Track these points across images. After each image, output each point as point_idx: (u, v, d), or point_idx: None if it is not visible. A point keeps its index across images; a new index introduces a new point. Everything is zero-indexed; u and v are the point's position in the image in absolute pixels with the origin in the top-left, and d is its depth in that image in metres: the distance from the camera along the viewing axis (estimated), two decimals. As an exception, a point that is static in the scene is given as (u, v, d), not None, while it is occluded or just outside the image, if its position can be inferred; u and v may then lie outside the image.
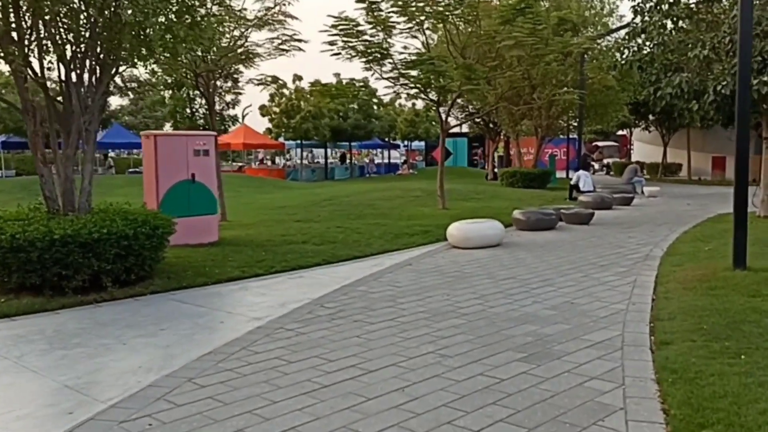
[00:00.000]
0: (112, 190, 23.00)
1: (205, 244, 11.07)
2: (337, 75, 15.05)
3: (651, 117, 33.91)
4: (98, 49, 7.90)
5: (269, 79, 14.58)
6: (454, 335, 6.02)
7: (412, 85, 15.18)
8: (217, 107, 35.44)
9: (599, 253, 10.60)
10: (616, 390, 4.51)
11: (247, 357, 5.49)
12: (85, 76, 8.10)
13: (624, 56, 15.56)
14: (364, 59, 14.79)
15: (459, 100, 29.12)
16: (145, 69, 10.58)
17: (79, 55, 7.98)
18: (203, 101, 34.73)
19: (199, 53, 12.28)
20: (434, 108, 16.84)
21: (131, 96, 44.75)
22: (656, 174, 35.08)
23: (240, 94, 35.33)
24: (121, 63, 7.85)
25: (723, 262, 8.70)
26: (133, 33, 7.34)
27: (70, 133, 8.21)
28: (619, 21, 24.41)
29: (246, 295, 8.07)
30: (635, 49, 14.85)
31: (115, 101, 45.58)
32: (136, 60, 7.74)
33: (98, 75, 8.16)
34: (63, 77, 8.05)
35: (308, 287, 8.37)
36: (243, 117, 43.44)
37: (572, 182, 21.36)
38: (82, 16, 7.71)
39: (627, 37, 14.65)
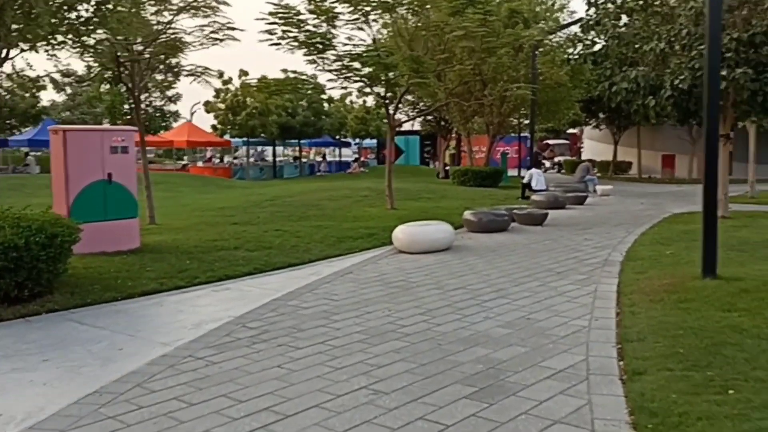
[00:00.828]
0: (37, 191, 21.46)
1: (125, 251, 9.95)
2: (284, 71, 14.05)
3: (602, 115, 33.74)
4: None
5: (200, 69, 13.48)
6: (393, 363, 5.13)
7: (357, 79, 14.25)
8: (158, 102, 33.92)
9: (555, 257, 9.87)
10: (585, 439, 3.68)
11: (139, 398, 4.49)
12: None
13: (577, 50, 14.94)
14: (305, 50, 13.79)
15: (409, 97, 28.36)
16: (49, 55, 9.41)
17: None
18: (143, 96, 33.18)
19: (120, 39, 11.11)
20: (382, 103, 15.95)
21: (68, 91, 42.59)
22: (607, 172, 34.95)
23: (169, 87, 33.65)
24: (8, 47, 6.69)
25: (689, 268, 8.03)
26: (17, 10, 6.21)
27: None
28: (569, 17, 24.04)
29: (159, 312, 7.03)
30: (588, 42, 14.23)
31: (49, 96, 43.40)
32: (22, 43, 6.59)
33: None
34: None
35: (233, 302, 7.37)
36: (191, 114, 41.97)
37: (524, 181, 20.76)
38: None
39: (581, 30, 14.02)
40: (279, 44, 14.32)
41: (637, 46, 12.72)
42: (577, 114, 30.80)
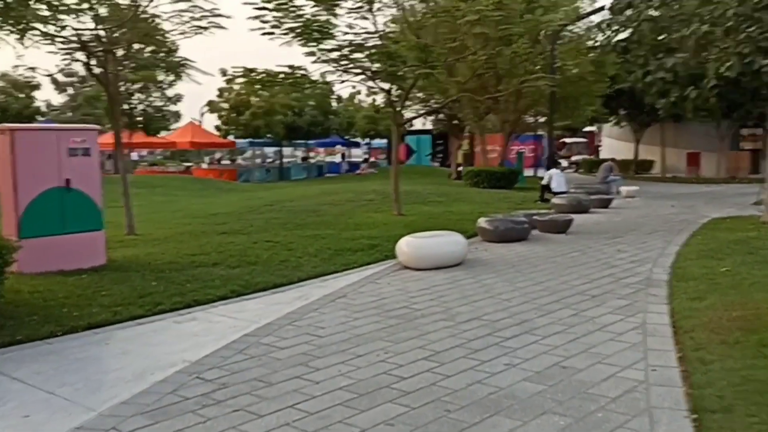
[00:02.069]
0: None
1: (86, 269, 8.60)
2: (291, 67, 12.63)
3: (622, 111, 32.12)
4: None
5: (177, 60, 12.10)
6: (384, 445, 3.71)
7: (358, 71, 12.82)
8: (159, 102, 32.76)
9: (586, 275, 8.40)
10: None
11: None
12: None
13: (604, 37, 13.42)
14: (301, 39, 12.38)
15: (419, 94, 26.92)
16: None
17: None
18: (143, 96, 32.04)
19: (89, 23, 9.79)
20: (387, 99, 14.50)
21: (70, 91, 41.45)
22: (628, 171, 33.25)
23: (170, 87, 32.47)
24: None
25: (760, 293, 6.54)
26: None
27: None
28: (591, 5, 22.49)
29: (100, 354, 5.65)
30: (618, 27, 12.71)
31: (44, 96, 42.27)
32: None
33: None
34: None
35: (194, 339, 5.98)
36: (201, 115, 40.81)
37: (543, 182, 19.22)
38: None
39: (611, 12, 12.50)
40: (272, 33, 12.92)
41: (674, 29, 11.20)
42: (597, 110, 29.19)
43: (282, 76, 12.82)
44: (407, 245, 9.19)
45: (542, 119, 31.33)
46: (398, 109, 14.51)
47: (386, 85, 14.07)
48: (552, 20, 12.80)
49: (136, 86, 31.01)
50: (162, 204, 19.82)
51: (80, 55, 11.07)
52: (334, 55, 12.36)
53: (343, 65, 12.61)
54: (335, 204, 16.76)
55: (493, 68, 17.84)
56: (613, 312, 6.52)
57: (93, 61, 10.92)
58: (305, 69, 13.10)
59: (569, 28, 21.07)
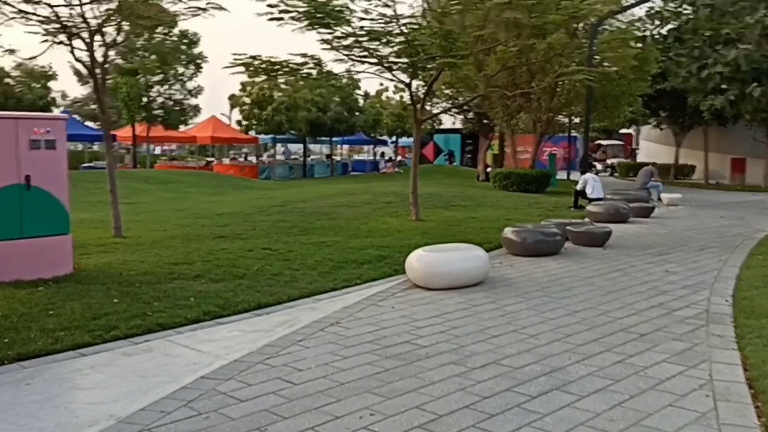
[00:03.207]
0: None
1: (48, 279, 7.47)
2: (304, 55, 11.38)
3: (663, 113, 30.34)
4: None
5: (168, 46, 10.91)
6: None
7: (375, 60, 11.52)
8: (178, 96, 31.86)
9: (631, 304, 7.01)
10: None
11: None
12: None
13: (655, 24, 11.90)
14: (309, 23, 11.11)
15: (447, 90, 25.58)
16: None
17: None
18: (163, 88, 31.16)
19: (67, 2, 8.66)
20: (410, 95, 13.17)
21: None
22: (667, 177, 31.47)
23: (190, 79, 31.46)
24: None
25: None
26: None
27: None
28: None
29: (8, 401, 4.45)
30: (669, 16, 11.22)
31: (58, 87, 41.57)
32: None
33: None
34: None
35: (137, 381, 4.77)
36: (231, 108, 39.99)
37: (578, 187, 17.72)
38: None
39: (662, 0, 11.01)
40: (281, 19, 11.70)
41: (736, 17, 9.70)
42: (636, 111, 27.49)
43: (287, 65, 11.55)
44: (418, 260, 7.89)
45: (576, 120, 29.78)
46: (419, 105, 13.17)
47: (406, 78, 12.74)
48: (594, 9, 11.36)
49: (156, 78, 30.15)
50: (169, 202, 18.81)
51: (65, 39, 9.94)
52: (349, 41, 11.08)
53: (357, 54, 11.31)
54: (350, 206, 15.54)
55: (524, 63, 16.42)
56: (668, 359, 5.15)
57: (78, 44, 9.79)
58: (318, 59, 11.83)
59: (610, 20, 19.52)
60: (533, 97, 22.20)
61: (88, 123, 41.05)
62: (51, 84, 31.02)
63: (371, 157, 47.75)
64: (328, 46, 11.07)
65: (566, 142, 35.37)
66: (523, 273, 8.73)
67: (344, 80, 36.81)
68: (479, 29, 11.36)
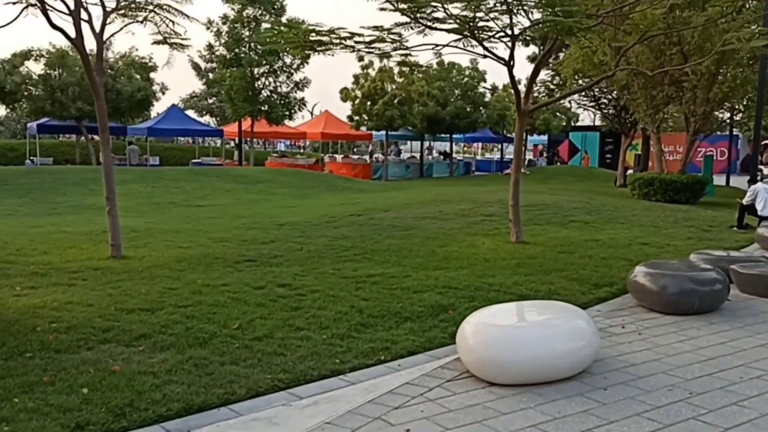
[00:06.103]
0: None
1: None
2: (376, 28, 8.54)
3: None
4: None
5: (166, 31, 8.39)
6: None
7: (454, 24, 8.39)
8: (284, 88, 30.08)
9: None
10: None
11: None
12: None
13: None
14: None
15: (579, 81, 21.78)
16: None
17: None
18: (269, 80, 29.48)
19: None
20: (510, 76, 9.90)
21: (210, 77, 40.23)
22: None
23: (297, 70, 29.43)
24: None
25: None
26: None
27: None
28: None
29: None
30: None
31: (158, 79, 41.00)
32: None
33: None
34: None
35: None
36: (311, 111, 38.20)
37: (745, 201, 13.51)
38: None
39: None
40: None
41: None
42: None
43: (338, 36, 8.69)
44: (475, 335, 4.78)
45: (737, 116, 24.85)
46: (524, 89, 9.90)
47: (505, 52, 9.49)
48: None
49: (261, 70, 28.50)
50: (243, 205, 16.67)
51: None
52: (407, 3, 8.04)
53: (424, 13, 8.23)
54: (438, 218, 12.50)
55: (672, 39, 12.56)
56: None
57: (56, 13, 7.50)
58: (387, 31, 8.88)
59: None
60: (686, 86, 18.01)
61: (203, 119, 40.88)
62: (153, 76, 30.17)
63: (498, 156, 44.06)
64: (392, 7, 8.10)
65: (726, 142, 30.12)
66: (656, 353, 5.35)
67: (467, 72, 33.83)
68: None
